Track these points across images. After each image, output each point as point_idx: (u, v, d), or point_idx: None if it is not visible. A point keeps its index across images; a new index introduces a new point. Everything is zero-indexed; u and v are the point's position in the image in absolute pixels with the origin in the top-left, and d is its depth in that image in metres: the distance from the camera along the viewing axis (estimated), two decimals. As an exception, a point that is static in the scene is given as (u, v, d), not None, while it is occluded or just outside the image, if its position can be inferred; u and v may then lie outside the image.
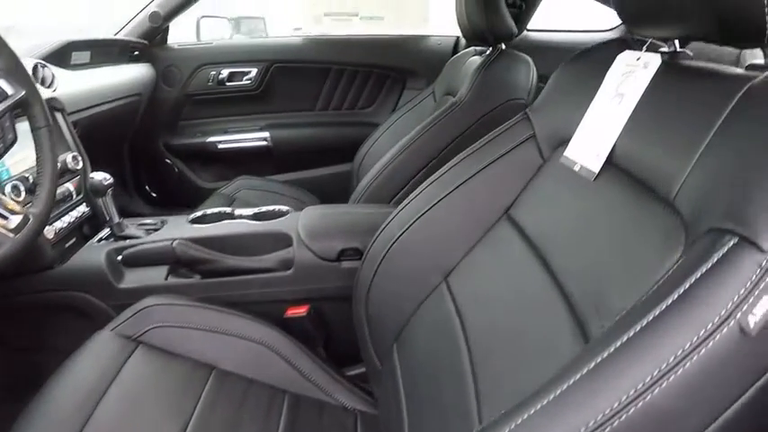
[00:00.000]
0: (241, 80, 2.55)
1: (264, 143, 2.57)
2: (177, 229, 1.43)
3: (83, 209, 1.49)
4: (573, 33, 2.74)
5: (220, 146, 2.56)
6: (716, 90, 0.64)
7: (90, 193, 1.45)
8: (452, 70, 2.04)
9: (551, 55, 2.42)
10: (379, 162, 1.67)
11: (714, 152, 0.59)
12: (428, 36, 2.68)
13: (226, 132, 2.58)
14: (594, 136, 0.82)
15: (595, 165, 0.80)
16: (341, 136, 2.59)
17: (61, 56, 1.80)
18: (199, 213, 1.53)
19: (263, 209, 1.53)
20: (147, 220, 1.53)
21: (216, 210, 1.54)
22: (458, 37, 2.62)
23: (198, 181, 2.61)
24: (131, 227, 1.46)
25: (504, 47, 1.72)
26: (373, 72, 2.63)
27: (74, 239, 1.43)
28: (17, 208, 1.01)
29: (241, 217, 1.50)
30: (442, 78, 2.11)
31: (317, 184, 2.51)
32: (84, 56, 1.95)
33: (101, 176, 1.39)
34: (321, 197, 2.29)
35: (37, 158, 1.09)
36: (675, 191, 0.62)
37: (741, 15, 0.58)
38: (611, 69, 0.85)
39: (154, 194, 2.67)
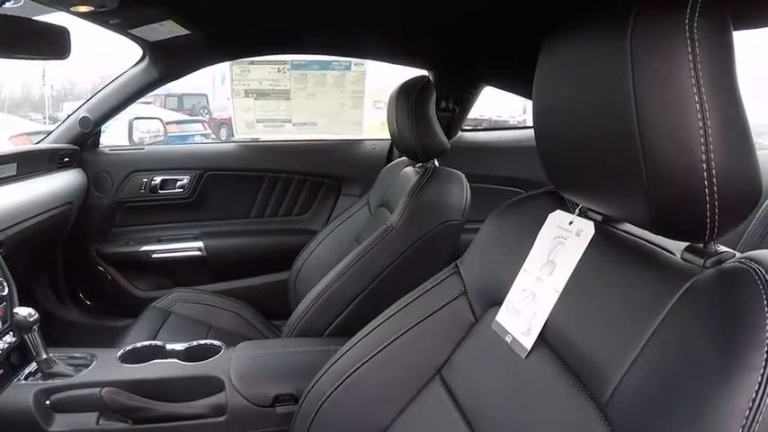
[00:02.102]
0: (174, 187, 2.55)
1: (199, 253, 2.55)
2: (106, 369, 1.41)
3: (9, 339, 1.42)
4: (507, 131, 2.88)
5: (154, 255, 2.53)
6: (656, 277, 0.66)
7: (17, 329, 1.40)
8: (386, 180, 2.09)
9: (487, 155, 2.54)
10: (313, 290, 1.68)
11: (653, 355, 0.60)
12: (362, 140, 2.75)
13: (159, 241, 2.56)
14: (526, 307, 0.84)
15: (527, 341, 0.81)
16: (277, 244, 2.60)
17: None
18: (129, 348, 1.51)
19: (195, 344, 1.53)
20: (76, 354, 1.49)
21: (146, 343, 1.53)
22: (392, 141, 2.68)
23: (132, 289, 2.56)
24: (60, 363, 1.42)
25: (436, 164, 1.77)
26: (308, 179, 2.67)
27: (1, 371, 1.36)
28: None
29: (173, 353, 1.50)
30: (375, 188, 2.15)
31: (255, 293, 2.49)
32: (10, 168, 1.92)
33: (25, 312, 1.36)
34: (259, 307, 2.28)
35: None
36: (608, 395, 0.63)
37: (681, 210, 0.59)
38: (542, 230, 0.87)
39: (88, 302, 2.61)
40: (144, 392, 1.37)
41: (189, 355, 1.49)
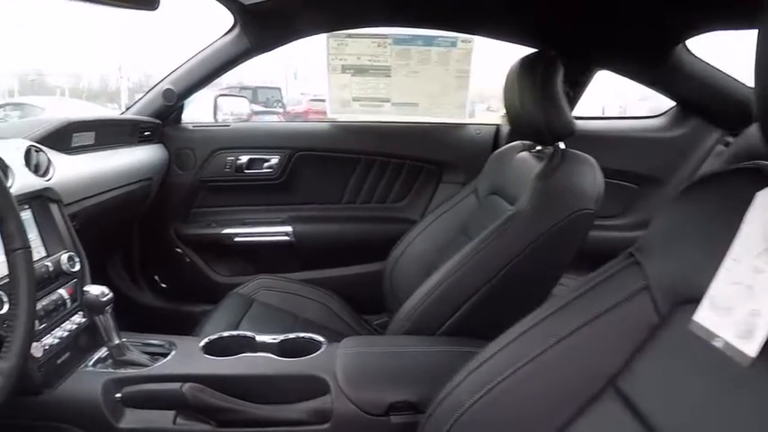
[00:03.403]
0: (261, 167, 2.43)
1: (286, 238, 2.43)
2: (188, 361, 1.30)
3: (79, 319, 1.35)
4: (620, 120, 2.64)
5: (237, 239, 2.42)
6: None
7: (87, 309, 1.32)
8: (498, 166, 1.91)
9: (602, 146, 2.33)
10: (426, 284, 1.51)
11: None
12: (466, 125, 2.57)
13: (244, 224, 2.45)
14: (740, 305, 0.66)
15: (748, 346, 0.64)
16: (370, 232, 2.45)
17: (60, 138, 1.68)
18: (214, 336, 1.40)
19: (291, 337, 1.41)
20: (153, 341, 1.40)
21: (234, 333, 1.42)
22: (498, 126, 2.50)
23: (211, 274, 2.47)
24: (134, 350, 1.33)
25: (562, 146, 1.59)
26: (406, 163, 2.50)
27: (67, 354, 1.29)
28: None
29: (264, 347, 1.37)
30: (485, 175, 1.97)
31: (344, 284, 2.35)
32: (88, 137, 1.83)
33: (97, 291, 1.27)
34: (349, 299, 2.14)
35: (9, 293, 0.95)
36: None
37: None
38: (751, 212, 0.69)
39: (163, 285, 2.53)
40: (231, 390, 1.25)
41: (284, 350, 1.36)
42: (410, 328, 1.47)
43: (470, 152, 2.44)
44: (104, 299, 1.26)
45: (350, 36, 2.54)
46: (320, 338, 1.40)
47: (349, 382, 1.23)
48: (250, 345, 1.38)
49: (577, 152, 1.56)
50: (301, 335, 1.41)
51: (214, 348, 1.35)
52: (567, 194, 1.46)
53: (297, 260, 2.43)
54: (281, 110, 13.52)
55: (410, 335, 1.47)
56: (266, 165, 2.43)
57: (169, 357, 1.32)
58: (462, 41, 2.56)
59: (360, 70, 2.60)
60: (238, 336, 1.41)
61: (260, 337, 1.40)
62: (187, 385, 1.20)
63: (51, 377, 1.22)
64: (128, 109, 2.32)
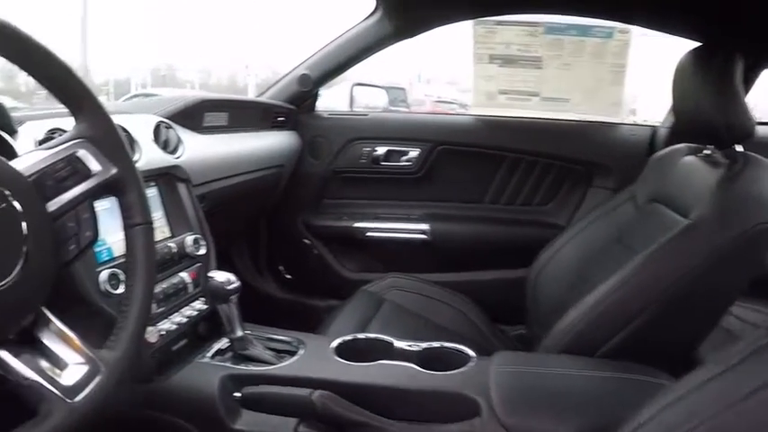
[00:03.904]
0: (399, 160, 2.30)
1: (422, 236, 2.29)
2: (318, 363, 1.21)
3: (200, 305, 1.30)
4: None
5: (369, 233, 2.31)
6: None
7: (210, 296, 1.26)
8: (661, 171, 1.71)
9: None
10: (585, 301, 1.35)
11: None
12: (619, 124, 2.33)
13: (377, 218, 2.34)
14: None
15: None
16: (513, 236, 2.27)
17: (192, 116, 1.63)
18: (348, 338, 1.31)
19: (435, 346, 1.28)
20: (280, 336, 1.32)
21: (370, 336, 1.33)
22: (654, 127, 2.25)
23: (339, 269, 2.38)
24: (258, 345, 1.25)
25: (741, 149, 1.38)
26: (555, 163, 2.30)
27: (184, 342, 1.24)
28: (83, 350, 0.76)
29: (403, 355, 1.24)
30: (645, 180, 1.76)
31: (481, 289, 2.17)
32: (220, 118, 1.79)
33: (223, 277, 1.20)
34: (484, 306, 1.98)
35: (126, 272, 0.86)
36: None
37: None
38: None
39: (288, 276, 2.47)
40: (365, 402, 1.14)
41: (425, 360, 1.22)
42: (565, 346, 1.32)
43: (624, 155, 2.21)
44: (230, 287, 1.19)
45: (499, 23, 2.36)
46: (469, 351, 1.26)
47: (505, 406, 1.08)
48: (387, 351, 1.26)
49: (760, 157, 1.36)
50: (447, 345, 1.28)
51: (347, 351, 1.25)
52: (751, 204, 1.28)
53: (431, 260, 2.30)
54: (405, 110, 13.43)
55: (567, 354, 1.31)
56: (404, 158, 2.30)
57: (297, 357, 1.23)
58: (619, 32, 2.32)
59: (508, 61, 2.41)
60: (375, 339, 1.30)
61: (398, 343, 1.27)
62: (317, 393, 1.10)
63: (165, 365, 1.17)
64: (262, 93, 2.28)
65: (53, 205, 0.75)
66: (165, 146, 1.41)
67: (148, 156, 1.30)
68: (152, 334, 1.13)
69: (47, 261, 0.73)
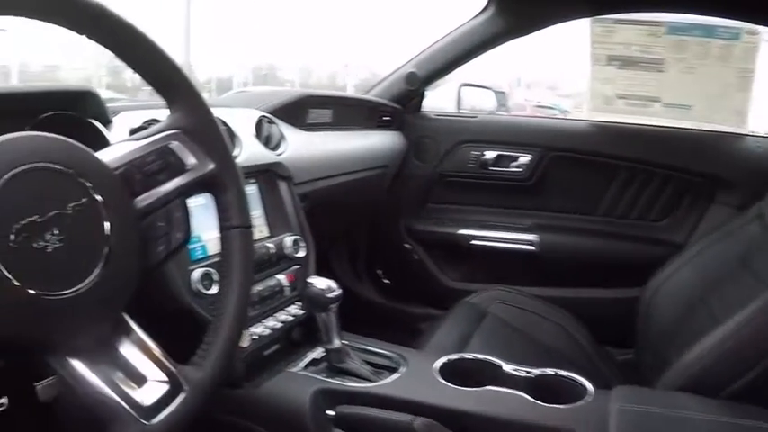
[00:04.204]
0: (509, 166, 2.19)
1: (529, 247, 2.17)
2: (420, 385, 1.11)
3: (295, 310, 1.24)
4: None
5: (474, 241, 2.21)
6: None
7: (308, 303, 1.21)
8: None
9: None
10: (713, 334, 1.22)
11: None
12: (745, 135, 2.13)
13: (483, 226, 2.23)
14: None
15: None
16: (625, 252, 2.12)
17: (295, 112, 1.59)
18: (454, 357, 1.21)
19: (549, 373, 1.17)
20: (380, 349, 1.24)
21: (478, 357, 1.22)
22: None
23: (440, 276, 2.28)
24: (355, 358, 1.17)
25: None
26: (674, 176, 2.12)
27: (276, 347, 1.19)
28: (165, 364, 0.69)
29: (513, 382, 1.14)
30: None
31: (588, 306, 2.04)
32: (325, 115, 1.75)
33: (324, 284, 1.12)
34: (590, 325, 1.85)
35: (220, 280, 0.80)
36: None
37: None
38: None
39: (386, 281, 2.41)
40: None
41: (537, 388, 1.12)
42: (687, 382, 1.19)
43: (750, 169, 2.02)
44: (331, 295, 1.12)
45: (617, 21, 2.20)
46: (585, 383, 1.15)
47: None
48: (495, 375, 1.15)
49: None
50: (561, 373, 1.17)
51: (452, 372, 1.15)
52: None
53: (537, 273, 2.18)
54: (505, 113, 13.28)
55: (687, 392, 1.18)
56: (514, 163, 2.19)
57: (397, 375, 1.14)
58: (747, 34, 2.12)
59: (627, 62, 2.24)
60: (482, 360, 1.20)
61: (507, 367, 1.17)
62: (420, 420, 1.02)
63: (254, 370, 1.11)
64: (367, 91, 2.23)
65: (141, 201, 0.68)
66: (267, 142, 1.37)
67: (249, 151, 1.26)
68: (244, 337, 1.07)
69: (131, 263, 0.66)
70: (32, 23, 0.62)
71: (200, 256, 1.07)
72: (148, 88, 0.75)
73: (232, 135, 1.22)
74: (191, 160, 0.73)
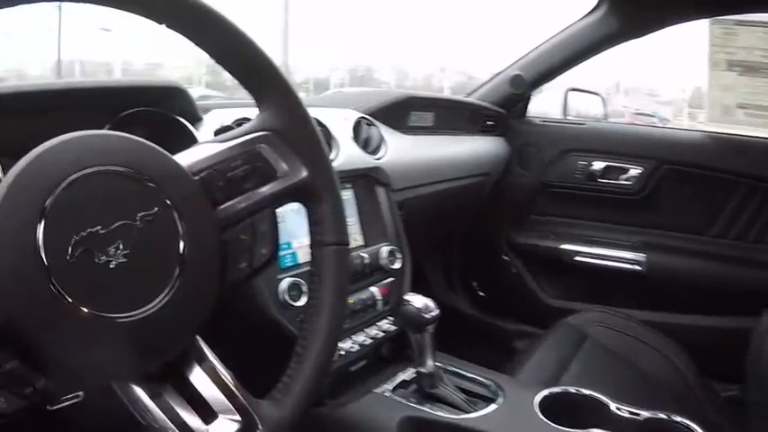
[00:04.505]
0: (618, 178, 2.05)
1: (636, 267, 2.02)
2: (518, 421, 1.04)
3: (387, 325, 1.18)
4: None
5: (577, 258, 2.08)
6: None
7: (402, 321, 1.12)
8: None
9: None
10: None
11: None
12: None
13: (587, 241, 2.10)
14: None
15: None
16: (740, 277, 1.94)
17: (396, 114, 1.53)
18: (556, 390, 1.13)
19: (661, 417, 1.07)
20: (476, 376, 1.16)
21: (583, 393, 1.13)
22: None
23: (538, 292, 2.17)
24: (449, 384, 1.09)
25: None
26: None
27: (363, 363, 1.14)
28: (239, 399, 0.60)
29: (622, 424, 1.06)
30: None
31: (696, 335, 1.88)
32: (426, 118, 1.67)
33: (421, 303, 1.05)
34: (697, 355, 1.70)
35: (309, 301, 0.69)
36: None
37: None
38: None
39: (481, 294, 2.31)
40: None
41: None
42: None
43: None
44: (428, 315, 1.04)
45: (740, 23, 2.03)
46: (697, 429, 1.05)
47: None
48: (602, 415, 1.06)
49: None
50: (676, 419, 1.06)
51: (554, 407, 1.07)
52: None
53: (642, 295, 2.03)
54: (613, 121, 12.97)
55: None
56: (624, 176, 2.04)
57: (494, 407, 1.05)
58: None
59: (749, 69, 2.06)
60: (587, 396, 1.10)
61: (614, 406, 1.07)
62: None
63: (339, 388, 1.06)
64: (470, 94, 2.13)
65: (223, 211, 0.60)
66: (366, 145, 1.31)
67: (346, 154, 1.21)
68: None
69: (207, 282, 0.58)
70: (138, 23, 0.58)
71: (290, 264, 1.02)
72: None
73: (329, 137, 1.17)
74: (281, 166, 0.65)
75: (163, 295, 0.53)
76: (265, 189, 0.63)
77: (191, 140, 0.84)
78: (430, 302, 1.05)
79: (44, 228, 0.48)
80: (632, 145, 2.06)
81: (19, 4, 0.51)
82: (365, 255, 1.15)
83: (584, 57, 1.97)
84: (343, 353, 1.06)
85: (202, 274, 0.57)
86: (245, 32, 0.62)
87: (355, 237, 1.20)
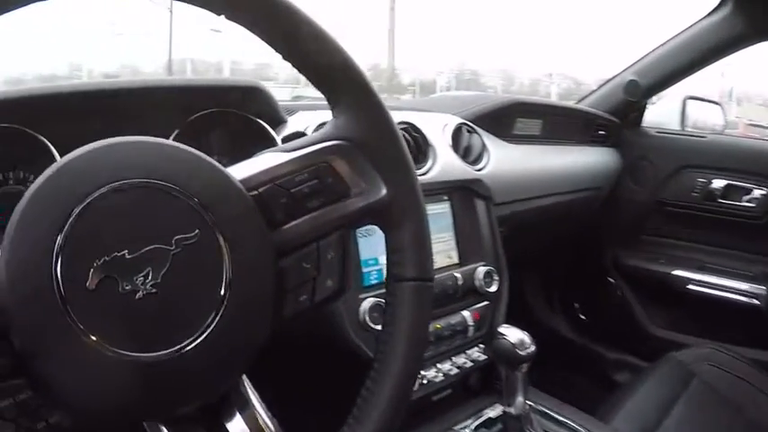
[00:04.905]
0: (740, 199, 1.86)
1: (754, 301, 1.83)
2: None
3: (477, 354, 1.09)
4: None
5: (690, 285, 1.90)
6: None
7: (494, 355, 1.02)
8: None
9: None
10: None
11: None
12: None
13: (702, 268, 1.92)
14: None
15: None
16: None
17: (501, 121, 1.43)
18: None
19: None
20: (569, 420, 1.08)
21: None
22: None
23: (645, 320, 2.00)
24: (538, 427, 1.01)
25: None
26: None
27: (447, 393, 1.07)
28: None
29: None
30: None
31: None
32: (534, 126, 1.57)
33: (516, 337, 0.95)
34: None
35: (380, 341, 0.57)
36: None
37: None
38: None
39: (582, 317, 2.17)
40: None
41: None
42: None
43: None
44: (523, 352, 0.94)
45: None
46: None
47: None
48: None
49: None
50: None
51: None
52: None
53: (759, 333, 1.85)
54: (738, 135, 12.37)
55: None
56: (746, 197, 1.85)
57: None
58: None
59: None
60: None
61: None
62: None
63: (418, 419, 1.00)
64: (581, 101, 2.00)
65: (283, 234, 0.51)
66: (466, 154, 1.21)
67: (444, 164, 1.11)
68: None
69: (256, 319, 0.48)
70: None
71: (374, 282, 0.95)
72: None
73: (425, 143, 1.09)
74: (356, 182, 0.55)
75: (199, 333, 0.44)
76: (335, 209, 0.53)
77: (270, 145, 0.76)
78: (527, 337, 0.95)
79: (63, 249, 0.41)
80: (758, 162, 1.87)
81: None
82: (458, 275, 1.06)
83: (706, 61, 1.82)
84: (426, 382, 0.99)
85: (250, 311, 0.47)
86: (317, 23, 0.52)
87: (450, 254, 1.12)
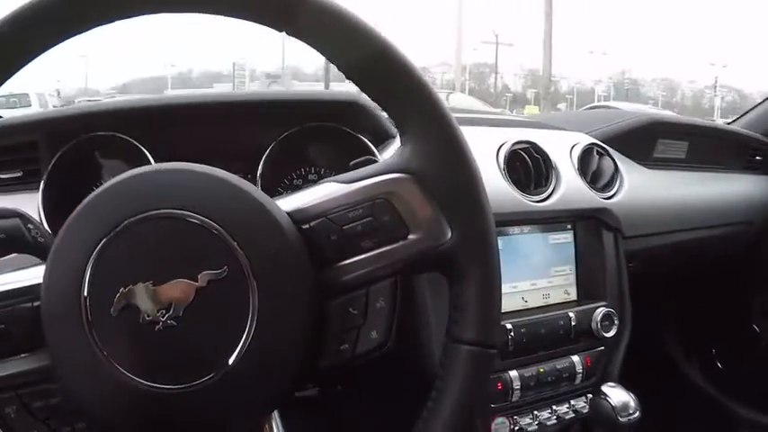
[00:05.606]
0: None
1: None
2: None
3: (582, 404, 0.99)
4: None
5: None
6: None
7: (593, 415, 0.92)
8: None
9: None
10: None
11: None
12: None
13: None
14: None
15: None
16: None
17: (639, 142, 1.28)
18: None
19: None
20: None
21: None
22: None
23: None
24: None
25: None
26: None
27: None
28: None
29: None
30: None
31: None
32: (678, 148, 1.41)
33: (621, 400, 0.86)
34: None
35: (427, 407, 0.50)
36: None
37: None
38: None
39: (719, 365, 1.92)
40: None
41: None
42: None
43: None
44: (624, 419, 0.84)
45: None
46: None
47: None
48: None
49: None
50: None
51: None
52: None
53: None
54: None
55: None
56: None
57: None
58: None
59: None
60: None
61: None
62: None
63: None
64: (734, 121, 1.80)
65: (331, 274, 0.46)
66: (595, 179, 1.09)
67: (568, 189, 1.02)
68: (502, 428, 0.91)
69: (285, 364, 0.45)
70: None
71: None
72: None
73: (549, 166, 1.00)
74: (418, 222, 0.48)
75: (213, 374, 0.43)
76: (391, 252, 0.47)
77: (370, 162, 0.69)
78: (632, 400, 0.85)
79: (91, 273, 0.43)
80: None
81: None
82: (573, 314, 0.96)
83: None
84: (516, 428, 0.92)
85: (276, 357, 0.44)
86: (385, 38, 0.46)
87: (567, 290, 1.03)
